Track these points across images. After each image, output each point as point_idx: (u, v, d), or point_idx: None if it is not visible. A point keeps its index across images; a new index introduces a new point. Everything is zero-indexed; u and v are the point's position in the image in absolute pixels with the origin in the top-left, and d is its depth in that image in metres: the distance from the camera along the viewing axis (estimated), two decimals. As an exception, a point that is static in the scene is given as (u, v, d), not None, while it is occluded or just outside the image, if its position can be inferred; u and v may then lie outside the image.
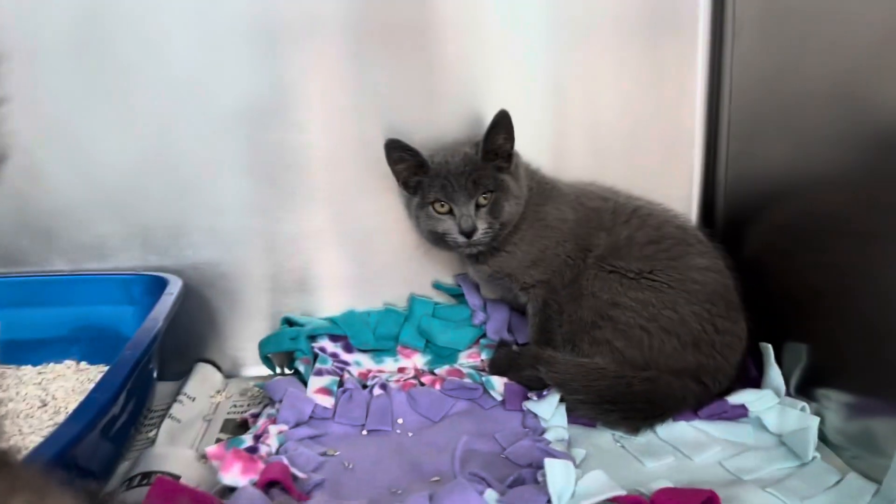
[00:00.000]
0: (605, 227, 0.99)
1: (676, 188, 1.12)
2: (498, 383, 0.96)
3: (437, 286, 1.14)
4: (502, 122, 0.94)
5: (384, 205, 1.08)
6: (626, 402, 0.86)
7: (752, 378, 0.94)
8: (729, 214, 1.08)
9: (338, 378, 1.00)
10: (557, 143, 1.10)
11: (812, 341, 0.89)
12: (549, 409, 0.88)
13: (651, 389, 0.86)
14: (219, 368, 1.11)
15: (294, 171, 1.06)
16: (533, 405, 0.90)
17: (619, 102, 1.09)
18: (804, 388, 0.89)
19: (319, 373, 0.99)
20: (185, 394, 1.00)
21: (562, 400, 0.89)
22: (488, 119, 0.95)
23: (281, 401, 0.93)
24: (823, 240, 0.87)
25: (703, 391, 0.88)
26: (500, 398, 0.95)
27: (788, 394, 0.90)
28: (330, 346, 1.06)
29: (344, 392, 0.96)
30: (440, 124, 1.05)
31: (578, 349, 0.94)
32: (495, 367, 1.00)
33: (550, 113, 1.08)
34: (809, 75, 0.87)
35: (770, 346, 0.92)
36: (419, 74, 1.04)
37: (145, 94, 1.02)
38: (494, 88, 1.05)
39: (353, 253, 1.11)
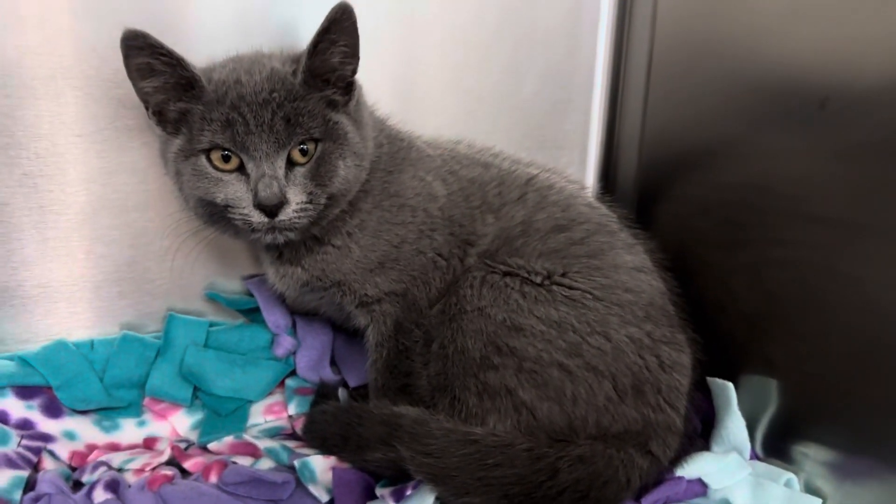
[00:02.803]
0: (492, 208, 0.68)
1: (567, 146, 0.87)
2: (321, 469, 0.60)
3: (213, 296, 0.78)
4: (342, 24, 0.60)
5: (124, 161, 0.71)
6: (549, 503, 0.52)
7: (694, 427, 0.67)
8: (643, 189, 0.84)
9: (24, 474, 0.60)
10: (410, 83, 0.80)
11: (782, 375, 0.66)
12: (420, 524, 0.52)
13: (585, 477, 0.55)
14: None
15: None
16: (388, 512, 0.53)
17: (494, 27, 0.81)
18: (777, 445, 0.65)
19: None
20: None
21: (438, 500, 0.54)
22: (308, 25, 0.65)
23: None
24: (781, 230, 0.66)
25: (650, 465, 0.59)
26: (325, 498, 0.58)
27: (755, 454, 0.65)
28: (16, 409, 0.66)
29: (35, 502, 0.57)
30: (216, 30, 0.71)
31: (460, 403, 0.61)
32: (313, 436, 0.63)
33: (400, 40, 0.78)
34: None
35: (731, 385, 0.66)
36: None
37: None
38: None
39: (65, 244, 0.71)
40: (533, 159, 0.77)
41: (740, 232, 0.72)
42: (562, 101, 0.85)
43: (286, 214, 0.60)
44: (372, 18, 0.73)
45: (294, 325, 0.76)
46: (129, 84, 0.62)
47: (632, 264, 0.67)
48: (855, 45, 0.59)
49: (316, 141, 0.61)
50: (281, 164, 0.60)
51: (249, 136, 0.59)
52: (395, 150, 0.69)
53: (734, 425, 0.65)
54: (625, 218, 0.74)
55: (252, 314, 0.77)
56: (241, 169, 0.61)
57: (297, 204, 0.60)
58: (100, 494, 0.58)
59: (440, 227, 0.67)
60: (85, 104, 0.69)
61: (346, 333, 0.76)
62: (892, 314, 0.55)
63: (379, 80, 0.75)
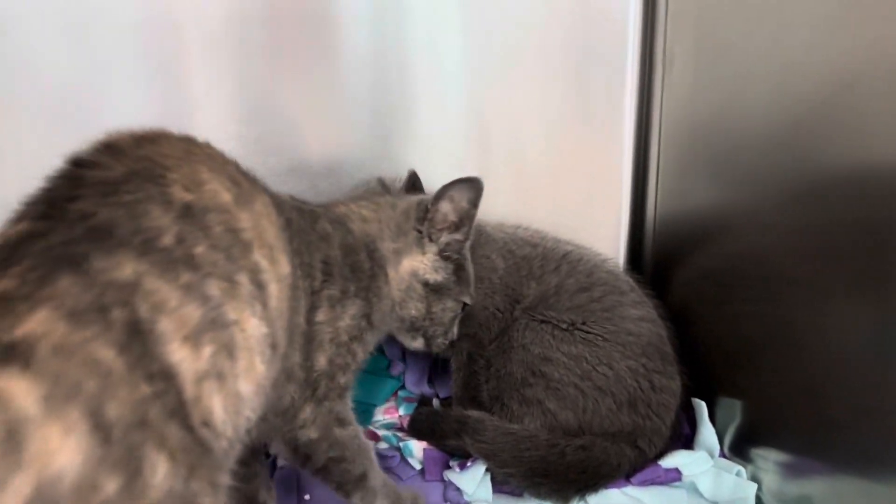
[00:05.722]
0: (535, 276, 0.92)
1: (603, 229, 1.08)
2: (417, 449, 0.87)
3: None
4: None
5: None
6: (559, 474, 0.79)
7: (686, 435, 0.90)
8: (657, 258, 1.05)
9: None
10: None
11: (746, 397, 0.85)
12: (473, 483, 0.80)
13: (585, 458, 0.80)
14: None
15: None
16: (455, 477, 0.82)
17: (544, 138, 1.04)
18: (739, 448, 0.85)
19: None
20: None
21: (488, 470, 0.82)
22: (401, 154, 0.90)
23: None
24: (757, 289, 0.82)
25: (638, 456, 0.83)
26: (419, 467, 0.86)
27: (723, 454, 0.86)
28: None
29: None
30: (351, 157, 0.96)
31: (507, 408, 0.87)
32: (415, 429, 0.90)
33: (472, 148, 1.02)
34: (745, 117, 0.83)
35: (703, 403, 0.88)
36: (332, 103, 0.95)
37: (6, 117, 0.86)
38: (412, 122, 0.97)
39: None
40: (570, 235, 0.99)
41: (725, 291, 0.89)
42: (596, 193, 1.07)
43: None
44: (451, 138, 0.99)
45: (403, 354, 1.02)
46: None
47: (637, 315, 0.89)
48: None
49: None
50: None
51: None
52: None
53: (707, 432, 0.85)
54: (637, 281, 0.95)
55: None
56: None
57: None
58: (280, 461, 0.85)
59: (499, 291, 0.91)
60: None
61: (438, 361, 1.01)
62: (834, 354, 0.69)
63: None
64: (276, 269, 0.59)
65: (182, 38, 0.90)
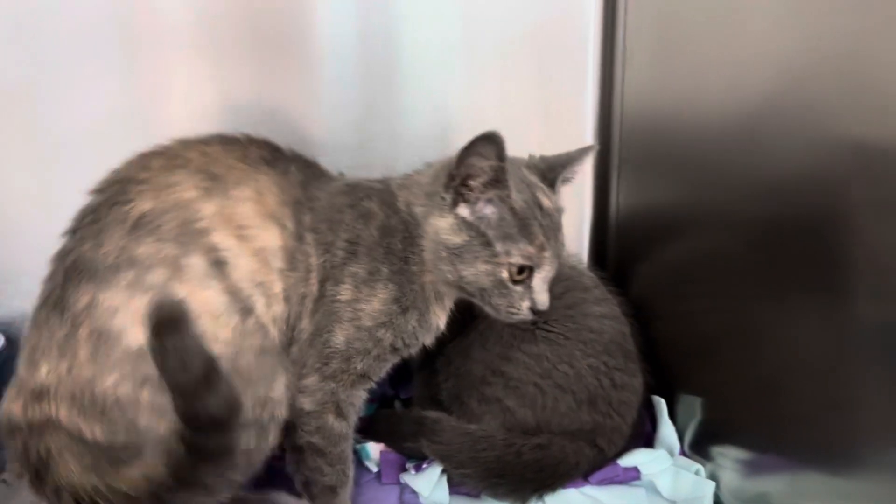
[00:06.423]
0: None
1: (567, 224, 1.04)
2: (374, 451, 0.86)
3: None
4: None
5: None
6: (516, 474, 0.78)
7: (647, 433, 0.89)
8: (620, 254, 1.04)
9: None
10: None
11: (705, 394, 0.84)
12: (429, 485, 0.79)
13: (542, 457, 0.79)
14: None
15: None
16: (411, 479, 0.81)
17: (507, 135, 1.01)
18: (699, 446, 0.85)
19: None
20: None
21: (444, 471, 0.81)
22: (367, 151, 0.88)
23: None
24: (714, 284, 0.81)
25: (597, 455, 0.82)
26: (375, 469, 0.85)
27: (683, 452, 0.86)
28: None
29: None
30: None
31: (466, 407, 0.85)
32: (373, 431, 0.88)
33: (435, 145, 0.98)
34: (702, 112, 0.82)
35: (663, 400, 0.88)
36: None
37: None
38: (376, 118, 0.96)
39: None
40: None
41: (684, 287, 0.88)
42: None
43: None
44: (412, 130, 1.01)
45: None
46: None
47: (599, 312, 0.88)
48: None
49: None
50: None
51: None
52: None
53: (666, 430, 0.85)
54: (601, 278, 0.94)
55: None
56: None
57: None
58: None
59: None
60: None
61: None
62: (790, 349, 0.68)
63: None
64: (251, 243, 0.68)
65: (151, 33, 0.89)
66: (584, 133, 1.04)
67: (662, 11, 0.89)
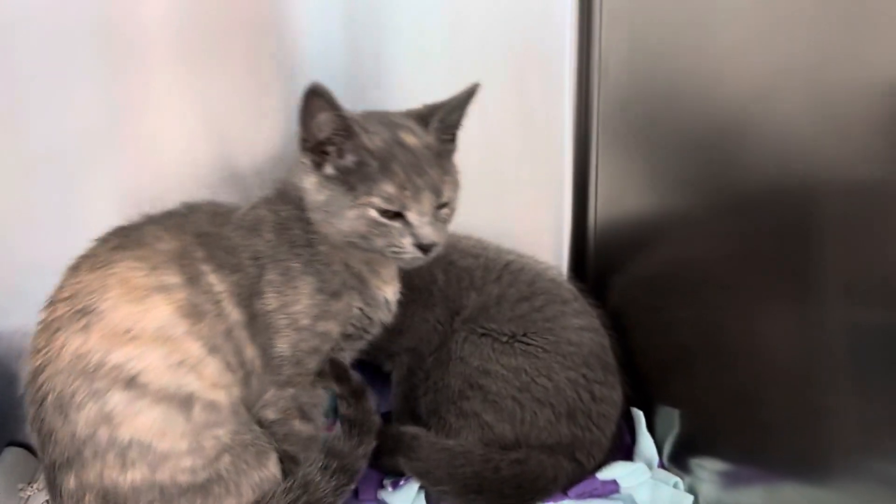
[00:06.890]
0: (476, 287, 0.91)
1: (546, 236, 1.06)
2: None
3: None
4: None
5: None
6: (494, 489, 0.78)
7: (627, 446, 0.89)
8: (598, 266, 1.04)
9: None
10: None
11: (683, 406, 0.84)
12: (407, 502, 0.79)
13: (520, 472, 0.79)
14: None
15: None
16: (388, 496, 0.80)
17: (485, 145, 1.00)
18: (677, 458, 0.85)
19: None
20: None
21: (422, 488, 0.80)
22: None
23: None
24: (690, 295, 0.82)
25: (576, 468, 0.82)
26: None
27: (662, 465, 0.86)
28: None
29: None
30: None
31: (444, 422, 0.85)
32: None
33: None
34: (676, 124, 0.82)
35: (641, 412, 0.87)
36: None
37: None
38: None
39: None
40: (512, 243, 0.98)
41: (661, 298, 0.88)
42: (538, 200, 1.05)
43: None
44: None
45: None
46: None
47: (578, 325, 0.88)
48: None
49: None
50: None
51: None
52: None
53: (645, 443, 0.85)
54: (581, 290, 0.94)
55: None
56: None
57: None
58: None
59: (439, 303, 0.89)
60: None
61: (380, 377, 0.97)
62: (766, 360, 0.68)
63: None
64: (145, 335, 0.66)
65: (132, 45, 0.88)
66: (562, 141, 1.03)
67: (637, 22, 0.89)
